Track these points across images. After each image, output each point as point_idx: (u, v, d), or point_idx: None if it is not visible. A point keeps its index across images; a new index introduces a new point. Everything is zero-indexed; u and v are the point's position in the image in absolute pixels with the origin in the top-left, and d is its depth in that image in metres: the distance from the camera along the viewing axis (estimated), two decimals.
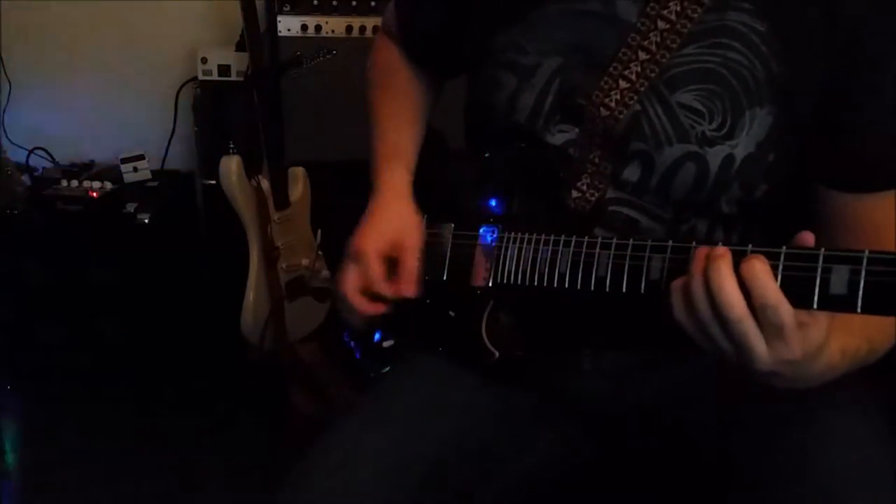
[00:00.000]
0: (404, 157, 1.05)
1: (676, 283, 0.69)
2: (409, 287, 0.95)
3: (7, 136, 2.44)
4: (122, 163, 2.33)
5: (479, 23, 0.95)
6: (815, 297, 0.61)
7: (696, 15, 0.82)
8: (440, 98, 1.16)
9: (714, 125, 0.82)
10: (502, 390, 0.97)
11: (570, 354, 0.98)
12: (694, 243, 0.70)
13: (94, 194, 2.20)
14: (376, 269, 0.95)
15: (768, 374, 0.66)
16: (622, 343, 0.95)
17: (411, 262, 0.95)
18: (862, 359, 0.74)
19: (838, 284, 0.60)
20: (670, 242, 0.72)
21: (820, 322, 0.64)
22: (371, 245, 0.96)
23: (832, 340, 0.66)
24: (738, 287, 0.63)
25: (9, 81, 2.42)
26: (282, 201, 2.04)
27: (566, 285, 0.81)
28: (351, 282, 0.97)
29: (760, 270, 0.63)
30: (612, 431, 1.00)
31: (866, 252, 0.58)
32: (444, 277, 0.96)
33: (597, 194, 0.88)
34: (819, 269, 0.61)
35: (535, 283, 0.85)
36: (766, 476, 0.80)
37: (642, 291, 0.74)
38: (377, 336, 1.04)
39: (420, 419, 0.93)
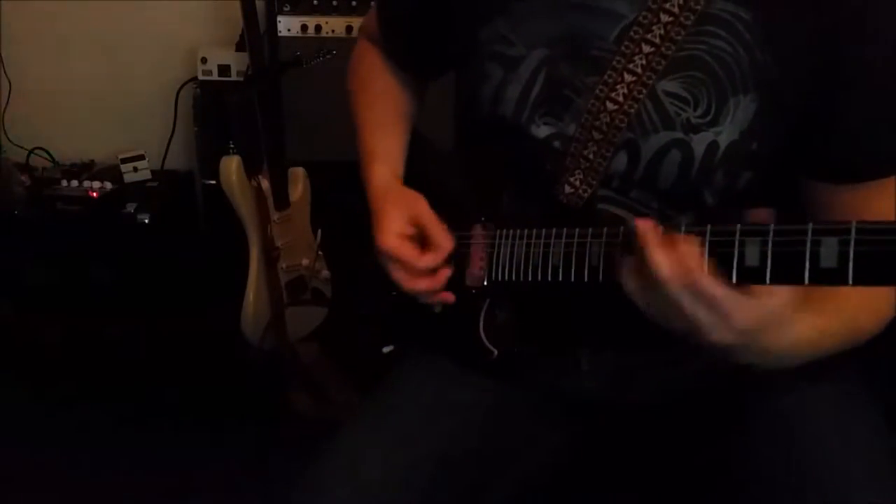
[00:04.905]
0: (391, 160, 1.03)
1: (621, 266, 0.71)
2: (446, 243, 0.92)
3: (7, 136, 2.45)
4: (122, 163, 2.34)
5: (463, 16, 0.94)
6: (806, 273, 0.60)
7: (698, 6, 0.81)
8: (424, 102, 1.15)
9: (699, 112, 0.81)
10: (503, 390, 0.97)
11: (568, 354, 0.98)
12: (622, 227, 0.72)
13: (94, 194, 2.20)
14: (408, 252, 0.92)
15: (726, 345, 0.67)
16: (620, 343, 0.94)
17: (433, 224, 0.93)
18: (847, 339, 0.74)
19: (828, 258, 0.59)
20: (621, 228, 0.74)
21: (777, 293, 0.64)
22: (389, 237, 0.93)
23: (801, 318, 0.68)
24: (674, 265, 0.65)
25: (9, 81, 2.43)
26: (282, 201, 2.04)
27: (560, 278, 0.80)
28: (402, 279, 0.93)
29: (683, 251, 0.65)
30: (612, 431, 1.00)
31: (854, 223, 0.58)
32: None
33: (589, 190, 0.88)
34: (808, 244, 0.60)
35: (530, 279, 0.84)
36: (766, 475, 0.80)
37: (585, 279, 0.77)
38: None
39: (424, 419, 0.94)
